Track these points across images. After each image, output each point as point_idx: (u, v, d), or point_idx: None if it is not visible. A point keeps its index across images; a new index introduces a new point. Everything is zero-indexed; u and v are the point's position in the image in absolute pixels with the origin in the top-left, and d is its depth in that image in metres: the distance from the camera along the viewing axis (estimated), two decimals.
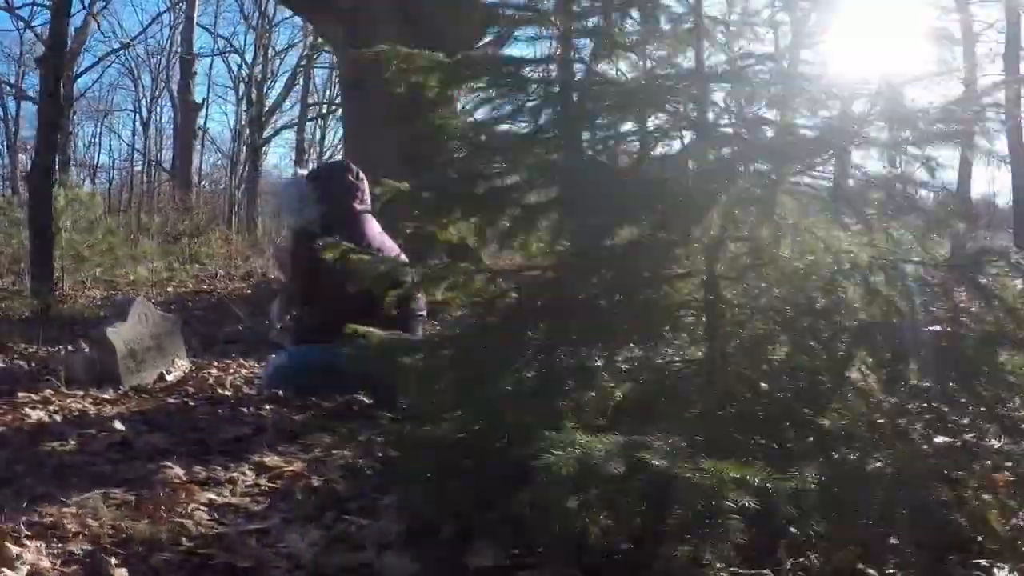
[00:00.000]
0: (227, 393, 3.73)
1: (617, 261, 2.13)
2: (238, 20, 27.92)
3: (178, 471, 2.47)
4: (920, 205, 2.10)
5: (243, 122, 26.58)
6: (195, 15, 20.45)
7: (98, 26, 21.15)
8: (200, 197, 20.02)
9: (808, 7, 2.27)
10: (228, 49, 26.01)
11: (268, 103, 25.79)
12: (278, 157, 50.80)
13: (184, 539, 1.96)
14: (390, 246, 3.74)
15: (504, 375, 1.91)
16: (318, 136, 29.41)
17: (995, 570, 1.82)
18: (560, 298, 2.05)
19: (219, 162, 29.92)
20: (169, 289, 9.40)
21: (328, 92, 28.67)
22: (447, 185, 2.11)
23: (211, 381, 3.95)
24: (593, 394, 1.84)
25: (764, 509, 1.41)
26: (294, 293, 3.72)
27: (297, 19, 25.55)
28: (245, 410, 3.42)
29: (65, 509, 2.14)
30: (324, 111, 28.63)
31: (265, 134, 25.91)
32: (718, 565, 1.65)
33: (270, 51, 26.17)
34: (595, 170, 1.99)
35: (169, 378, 3.97)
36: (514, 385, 1.92)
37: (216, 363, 4.41)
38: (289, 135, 28.53)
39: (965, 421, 2.87)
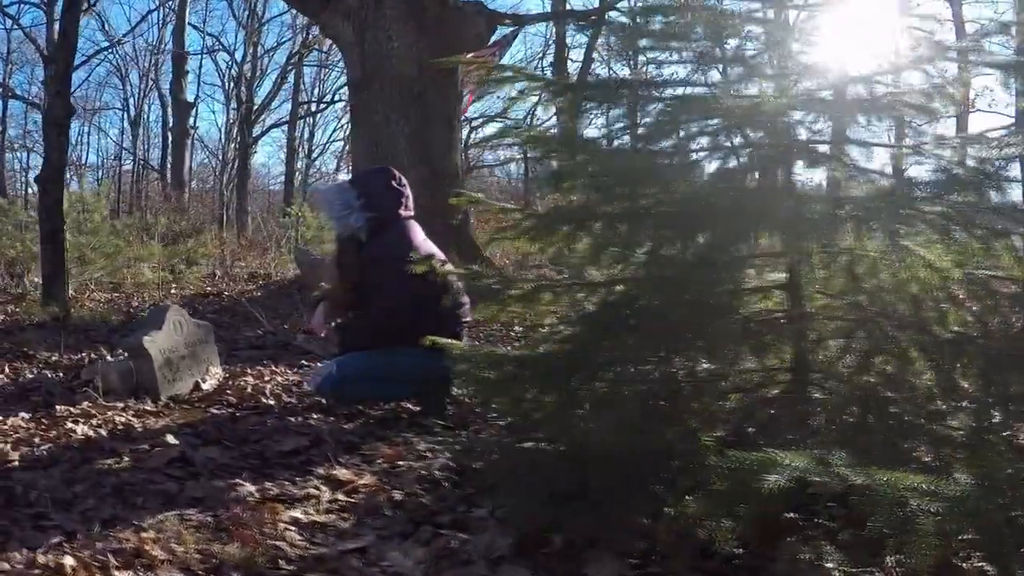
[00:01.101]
0: (271, 403, 3.62)
1: (704, 272, 2.09)
2: (226, 18, 27.76)
3: (250, 488, 2.37)
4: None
5: (232, 120, 26.33)
6: (187, 13, 20.14)
7: (102, 24, 20.89)
8: (192, 197, 19.78)
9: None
10: (217, 47, 25.77)
11: (257, 101, 25.56)
12: (266, 156, 50.57)
13: (282, 562, 1.87)
14: (437, 253, 3.65)
15: (617, 385, 1.85)
16: (306, 135, 29.24)
17: None
18: (663, 309, 1.98)
19: (205, 160, 29.65)
20: (173, 291, 9.24)
21: (317, 90, 28.55)
22: (586, 205, 2.05)
23: (249, 390, 3.84)
24: (721, 403, 1.79)
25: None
26: (339, 300, 3.62)
27: (286, 17, 25.44)
28: (293, 420, 3.33)
29: (144, 534, 2.03)
30: (313, 109, 28.50)
31: (254, 132, 25.69)
32: (828, 565, 1.67)
33: (259, 49, 25.95)
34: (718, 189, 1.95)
35: (204, 387, 3.85)
36: (624, 396, 1.86)
37: (249, 370, 4.30)
38: (277, 133, 28.36)
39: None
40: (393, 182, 3.63)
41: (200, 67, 25.33)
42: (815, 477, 1.38)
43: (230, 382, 4.00)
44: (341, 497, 2.35)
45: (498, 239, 2.30)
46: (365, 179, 3.67)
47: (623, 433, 1.79)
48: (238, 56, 25.01)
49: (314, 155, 30.55)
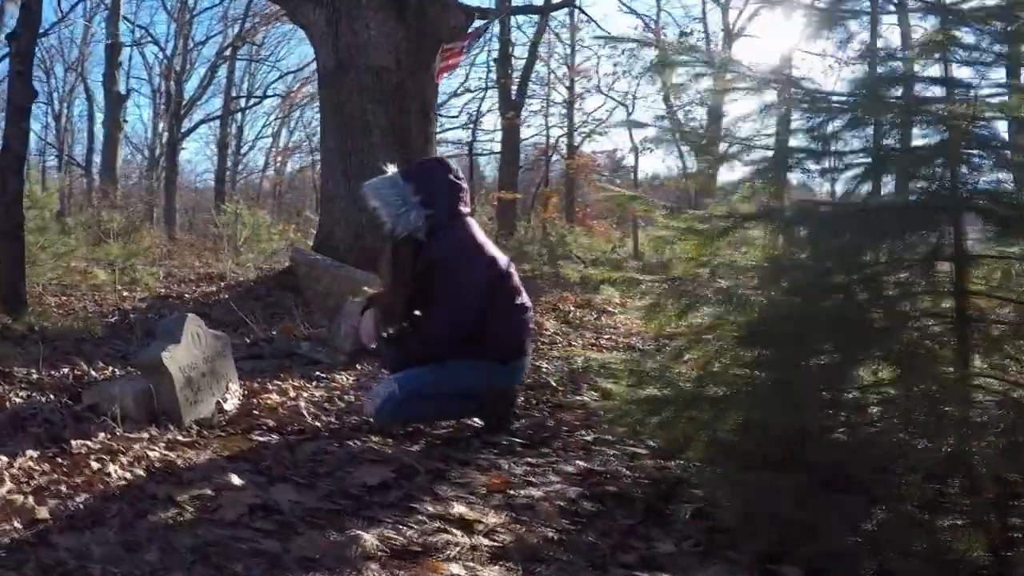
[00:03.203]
0: (316, 424, 3.17)
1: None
2: (156, 9, 26.50)
3: (373, 541, 1.95)
4: None
5: (160, 115, 25.11)
6: (120, 3, 18.86)
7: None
8: (124, 194, 18.60)
9: None
10: (146, 39, 24.48)
11: (186, 96, 24.39)
12: (191, 152, 48.80)
13: None
14: (499, 252, 3.27)
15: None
16: (234, 130, 28.08)
17: None
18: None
19: (129, 157, 28.18)
20: (126, 294, 8.51)
21: (247, 85, 27.54)
22: None
23: (281, 410, 3.37)
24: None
25: None
26: (392, 308, 3.18)
27: (217, 10, 24.41)
28: (352, 444, 2.91)
29: None
30: (243, 105, 27.47)
31: (183, 128, 24.50)
32: None
33: (189, 42, 24.79)
34: None
35: (227, 407, 3.37)
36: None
37: (270, 385, 3.81)
38: (203, 129, 27.25)
39: None
40: (451, 176, 3.22)
41: (130, 59, 23.99)
42: None
43: (253, 400, 3.52)
44: (484, 541, 1.96)
45: (678, 241, 1.95)
46: (421, 172, 3.24)
47: (882, 449, 1.49)
48: (168, 49, 23.84)
49: (243, 151, 29.58)
